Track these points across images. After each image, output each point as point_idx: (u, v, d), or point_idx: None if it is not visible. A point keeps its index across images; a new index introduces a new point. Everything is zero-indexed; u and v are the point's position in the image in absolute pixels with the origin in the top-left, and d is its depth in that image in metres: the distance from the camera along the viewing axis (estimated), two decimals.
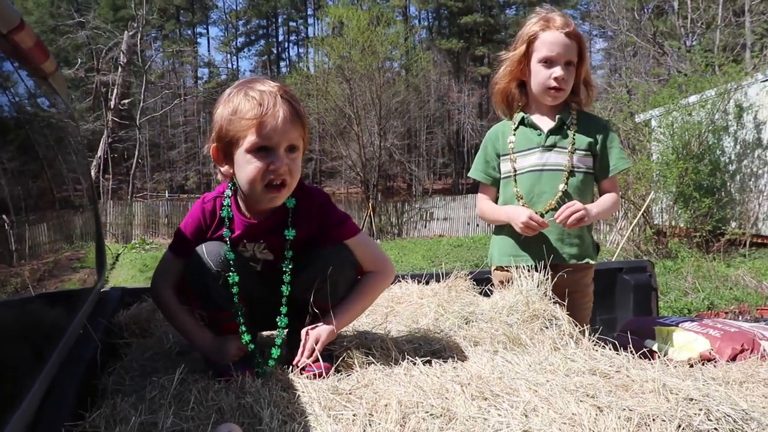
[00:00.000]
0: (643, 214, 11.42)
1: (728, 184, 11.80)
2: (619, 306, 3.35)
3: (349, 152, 25.64)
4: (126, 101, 30.32)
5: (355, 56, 23.51)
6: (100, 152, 28.04)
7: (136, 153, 30.56)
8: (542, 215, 2.47)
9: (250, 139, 1.70)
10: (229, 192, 1.86)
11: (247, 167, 1.73)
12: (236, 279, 1.79)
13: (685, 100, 11.76)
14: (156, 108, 34.71)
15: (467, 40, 44.06)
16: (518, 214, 2.45)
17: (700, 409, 1.42)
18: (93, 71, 30.75)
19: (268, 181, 1.72)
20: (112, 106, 28.64)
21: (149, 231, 22.82)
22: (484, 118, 35.16)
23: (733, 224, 11.31)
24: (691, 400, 1.47)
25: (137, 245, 19.14)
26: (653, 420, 1.38)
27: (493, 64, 2.73)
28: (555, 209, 2.46)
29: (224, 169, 1.80)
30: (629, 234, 11.57)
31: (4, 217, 1.30)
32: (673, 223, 11.89)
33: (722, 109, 11.49)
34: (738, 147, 11.65)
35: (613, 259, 9.91)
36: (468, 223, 22.95)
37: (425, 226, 23.31)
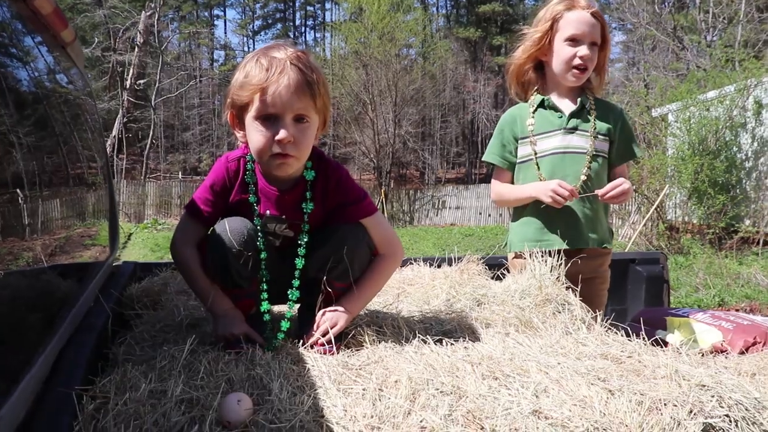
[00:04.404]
0: (656, 208, 11.34)
1: (744, 181, 11.69)
2: (630, 297, 3.33)
3: (363, 138, 25.61)
4: (141, 81, 30.42)
5: (373, 42, 23.44)
6: (114, 131, 28.16)
7: (151, 133, 30.66)
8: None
9: (256, 105, 1.68)
10: (251, 156, 1.83)
11: (254, 134, 1.72)
12: (264, 255, 1.79)
13: (703, 95, 11.64)
14: (171, 89, 34.76)
15: (485, 29, 43.71)
16: (546, 184, 2.43)
17: (713, 396, 1.41)
18: (110, 51, 30.80)
19: (274, 150, 1.70)
20: (127, 86, 28.76)
21: (162, 211, 22.99)
22: (499, 109, 34.92)
23: (747, 222, 11.21)
24: (704, 386, 1.46)
25: (150, 225, 19.27)
26: (665, 405, 1.36)
27: (510, 54, 2.69)
28: (580, 193, 2.44)
29: (240, 135, 1.79)
30: (641, 228, 11.50)
31: (19, 192, 1.31)
32: (686, 219, 11.81)
33: (741, 106, 11.36)
34: (755, 144, 11.52)
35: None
36: (480, 213, 22.93)
37: (437, 215, 23.32)
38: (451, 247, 12.81)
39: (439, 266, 2.74)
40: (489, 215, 22.65)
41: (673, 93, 12.54)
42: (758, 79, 11.02)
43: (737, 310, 5.79)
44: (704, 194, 11.24)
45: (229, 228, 1.75)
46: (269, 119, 1.69)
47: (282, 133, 1.68)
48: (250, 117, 1.71)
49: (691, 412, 1.35)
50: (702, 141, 11.35)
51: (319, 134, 1.83)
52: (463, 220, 22.96)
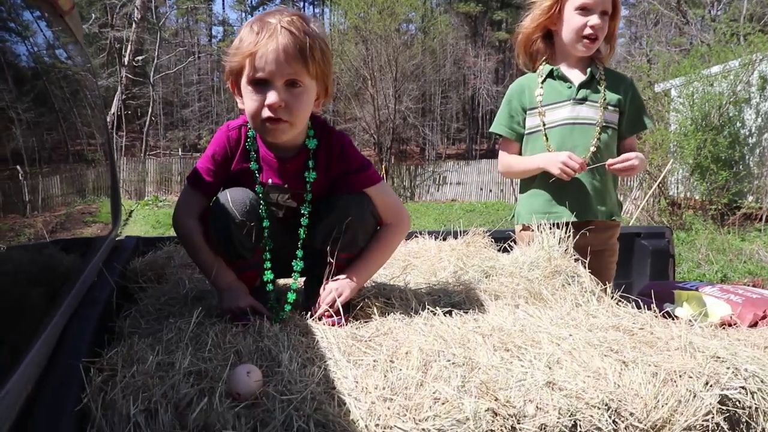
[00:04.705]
0: (659, 184, 11.28)
1: (747, 157, 11.60)
2: (636, 271, 3.31)
3: (363, 114, 25.44)
4: (140, 58, 30.14)
5: (373, 17, 23.18)
6: (113, 109, 27.97)
7: (150, 110, 30.51)
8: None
9: (247, 70, 1.66)
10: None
11: (247, 99, 1.70)
12: (267, 224, 1.77)
13: (707, 70, 11.53)
14: (170, 66, 34.54)
15: (485, 4, 43.24)
16: (556, 156, 2.39)
17: (728, 368, 1.40)
18: (107, 27, 30.49)
19: (264, 114, 1.67)
20: (125, 63, 28.49)
21: (162, 188, 22.94)
22: (500, 84, 34.73)
23: (750, 198, 11.16)
24: (719, 358, 1.45)
25: (150, 202, 19.22)
26: (680, 376, 1.35)
27: (512, 29, 2.63)
28: (588, 164, 2.41)
29: (240, 101, 1.77)
30: (644, 204, 11.45)
31: (21, 169, 1.28)
32: (689, 195, 11.76)
33: (745, 81, 11.24)
34: (760, 120, 11.42)
35: None
36: (481, 189, 22.88)
37: (438, 190, 23.26)
38: (453, 222, 12.78)
39: (444, 239, 2.72)
40: (490, 191, 22.59)
41: (677, 68, 12.41)
42: (764, 53, 10.90)
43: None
44: (707, 170, 11.17)
45: (231, 198, 1.72)
46: (260, 84, 1.67)
47: (270, 97, 1.65)
48: (244, 82, 1.69)
49: (707, 383, 1.34)
50: (705, 116, 11.26)
51: (321, 102, 1.80)
52: (464, 195, 22.91)
